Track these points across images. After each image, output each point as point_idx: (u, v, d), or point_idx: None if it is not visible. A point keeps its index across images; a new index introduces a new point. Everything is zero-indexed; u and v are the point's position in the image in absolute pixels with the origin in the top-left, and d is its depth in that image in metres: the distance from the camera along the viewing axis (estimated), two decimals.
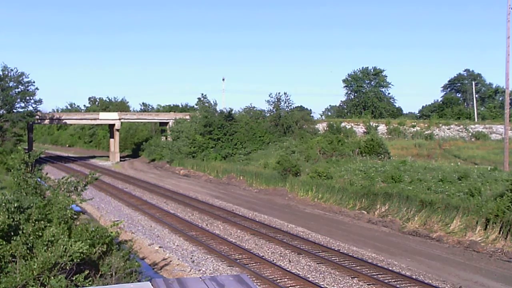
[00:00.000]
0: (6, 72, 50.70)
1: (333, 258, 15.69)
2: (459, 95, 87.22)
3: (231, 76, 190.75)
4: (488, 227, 18.27)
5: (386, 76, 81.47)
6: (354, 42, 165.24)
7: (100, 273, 9.08)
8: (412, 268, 15.04)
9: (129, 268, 9.87)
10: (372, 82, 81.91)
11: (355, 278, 13.82)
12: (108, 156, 61.93)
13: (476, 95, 79.27)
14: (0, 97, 49.71)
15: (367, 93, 79.77)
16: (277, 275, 13.99)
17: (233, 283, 3.83)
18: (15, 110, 51.50)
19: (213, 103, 54.00)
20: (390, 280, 13.59)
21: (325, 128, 53.41)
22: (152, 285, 3.88)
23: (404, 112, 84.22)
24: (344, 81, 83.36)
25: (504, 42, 33.16)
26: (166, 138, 57.24)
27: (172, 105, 78.06)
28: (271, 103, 52.65)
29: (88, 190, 12.45)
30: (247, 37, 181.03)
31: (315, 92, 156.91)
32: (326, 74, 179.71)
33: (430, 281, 13.62)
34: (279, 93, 52.87)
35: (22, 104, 52.40)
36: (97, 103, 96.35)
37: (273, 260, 15.54)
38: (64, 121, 61.40)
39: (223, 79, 71.08)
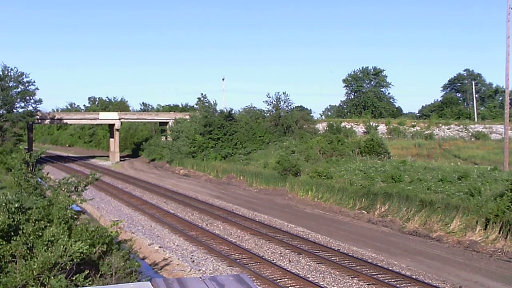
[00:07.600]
0: (6, 72, 50.68)
1: (333, 258, 15.69)
2: (459, 95, 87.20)
3: (231, 76, 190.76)
4: (488, 227, 18.27)
5: (386, 76, 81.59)
6: (354, 42, 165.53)
7: (100, 273, 9.08)
8: (412, 268, 15.04)
9: (129, 268, 9.87)
10: (372, 82, 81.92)
11: (355, 278, 13.82)
12: (108, 156, 61.93)
13: (476, 95, 79.26)
14: (0, 97, 49.69)
15: (367, 93, 79.75)
16: (277, 275, 14.00)
17: (233, 283, 3.83)
18: (15, 110, 51.48)
19: (213, 103, 53.97)
20: (390, 280, 13.60)
21: (325, 128, 53.32)
22: (152, 285, 3.89)
23: (404, 112, 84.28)
24: (344, 81, 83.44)
25: (504, 42, 33.14)
26: (166, 138, 57.20)
27: (172, 105, 77.98)
28: (270, 103, 52.65)
29: (88, 190, 12.45)
30: (247, 37, 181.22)
31: (315, 92, 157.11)
32: (326, 74, 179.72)
33: (430, 281, 13.63)
34: (278, 93, 52.86)
35: (22, 104, 52.45)
36: (97, 103, 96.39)
37: (273, 260, 15.55)
38: (64, 121, 61.38)
39: (223, 79, 70.95)
